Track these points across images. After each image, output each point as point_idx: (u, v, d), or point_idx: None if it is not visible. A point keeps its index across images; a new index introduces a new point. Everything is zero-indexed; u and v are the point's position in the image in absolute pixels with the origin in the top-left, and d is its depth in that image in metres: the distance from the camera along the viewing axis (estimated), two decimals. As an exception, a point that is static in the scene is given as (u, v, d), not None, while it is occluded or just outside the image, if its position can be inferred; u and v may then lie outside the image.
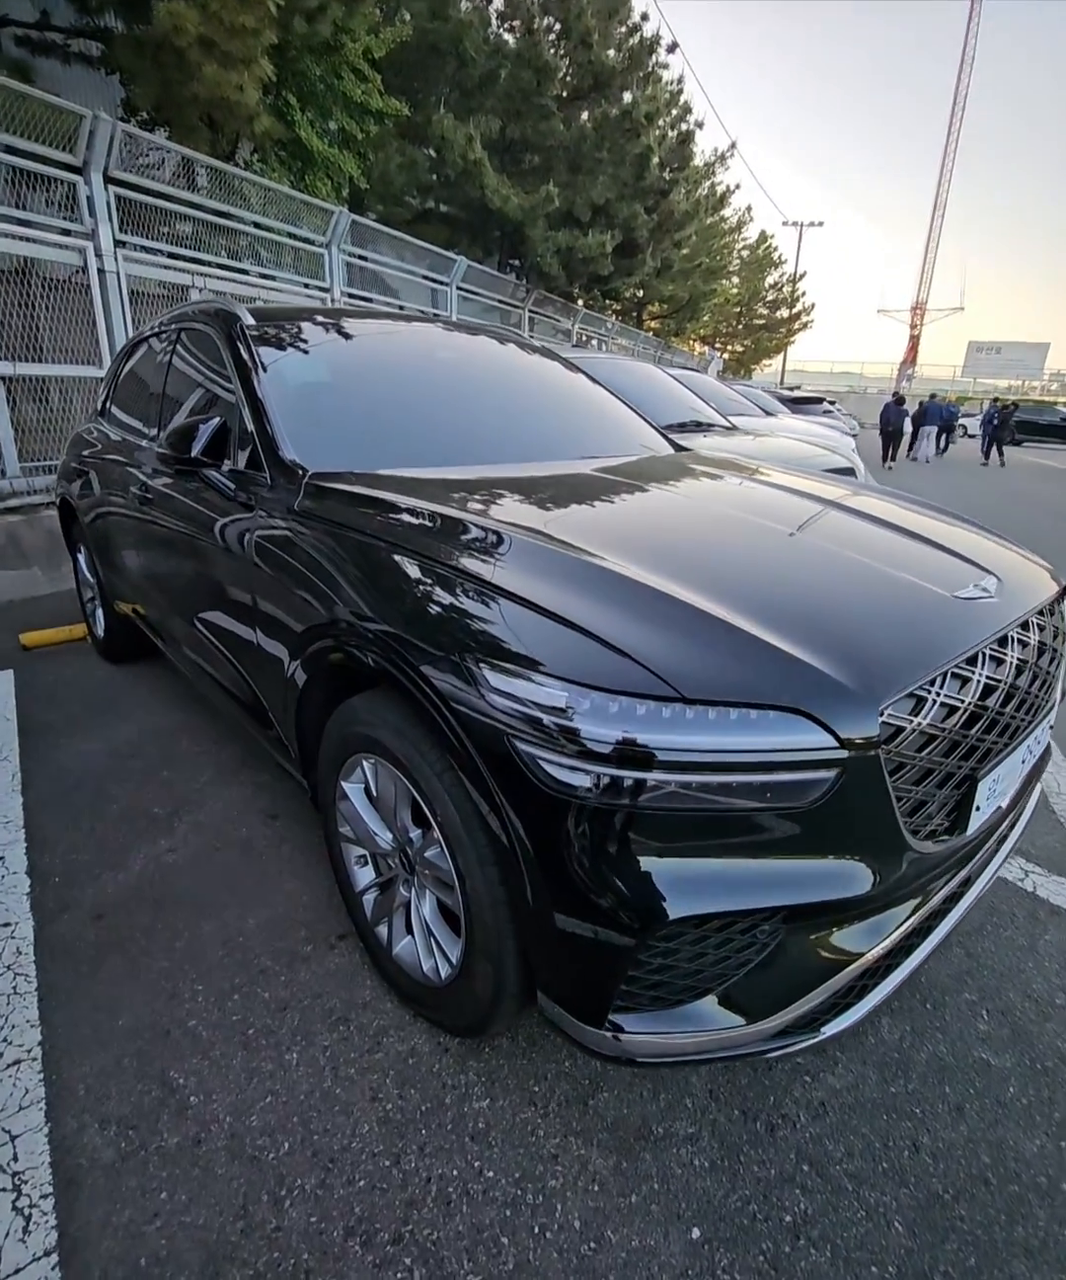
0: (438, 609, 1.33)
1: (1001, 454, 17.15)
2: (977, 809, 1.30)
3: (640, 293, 20.62)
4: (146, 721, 3.01)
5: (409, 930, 1.59)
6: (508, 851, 1.18)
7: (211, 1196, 1.27)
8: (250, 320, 2.30)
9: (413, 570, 1.43)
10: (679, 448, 2.78)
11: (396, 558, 1.47)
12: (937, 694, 1.21)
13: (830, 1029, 1.22)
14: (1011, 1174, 1.33)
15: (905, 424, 16.10)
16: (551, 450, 2.29)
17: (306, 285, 8.07)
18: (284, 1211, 1.25)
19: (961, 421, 22.57)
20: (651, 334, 22.04)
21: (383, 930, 1.65)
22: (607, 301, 19.71)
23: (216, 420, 2.02)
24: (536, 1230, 1.23)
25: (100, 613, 3.51)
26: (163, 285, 6.39)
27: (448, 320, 2.88)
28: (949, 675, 1.24)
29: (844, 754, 1.07)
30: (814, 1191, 1.30)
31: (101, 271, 5.73)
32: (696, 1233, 1.24)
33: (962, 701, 1.25)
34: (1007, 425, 16.57)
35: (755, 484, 2.15)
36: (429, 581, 1.39)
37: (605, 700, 1.07)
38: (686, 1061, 1.22)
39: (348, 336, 2.47)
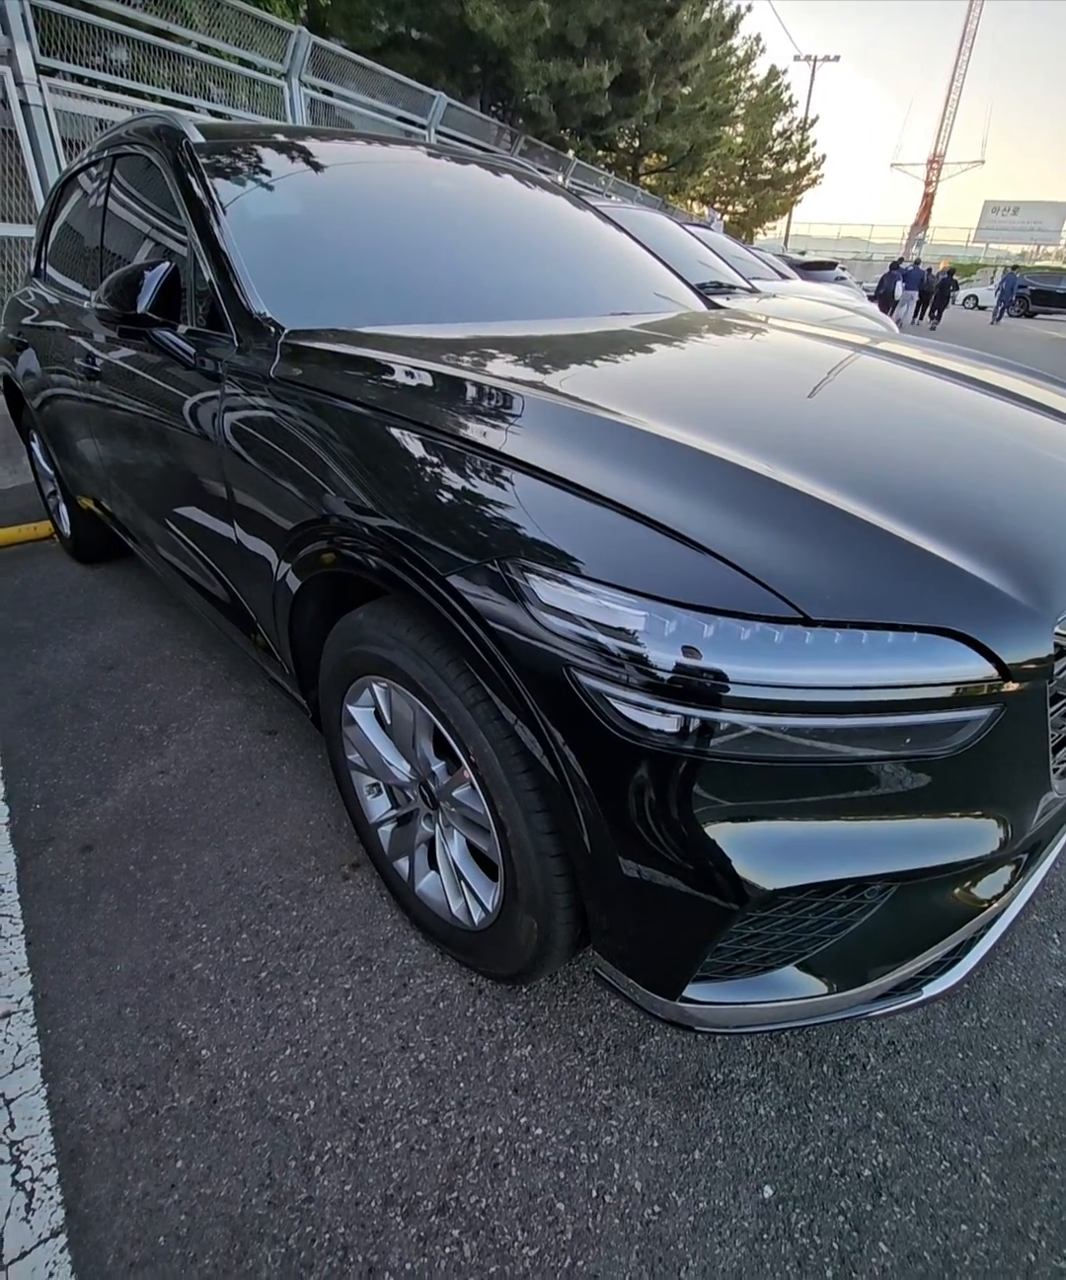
0: (462, 500, 1.05)
1: (934, 318, 19.73)
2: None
3: (637, 142, 18.61)
4: (125, 628, 2.76)
5: (433, 866, 1.42)
6: (562, 803, 0.96)
7: (233, 1164, 1.15)
8: (199, 137, 1.86)
9: (424, 449, 1.14)
10: (714, 307, 2.39)
11: (403, 433, 1.17)
12: None
13: (931, 989, 1.05)
14: (1102, 1116, 1.23)
15: (897, 289, 17.64)
16: (577, 305, 1.92)
17: (265, 126, 7.12)
18: (314, 1179, 1.13)
19: (969, 292, 26.60)
20: (647, 191, 20.06)
21: (402, 864, 1.48)
22: (600, 152, 17.80)
23: (166, 265, 1.64)
24: (594, 1193, 1.12)
25: (63, 509, 3.17)
26: (102, 126, 5.55)
27: (433, 144, 2.38)
28: None
29: (1008, 686, 0.84)
30: (892, 1142, 1.20)
31: (25, 104, 4.92)
32: (768, 1191, 1.13)
33: None
34: (946, 292, 19.01)
35: (842, 348, 1.79)
36: (448, 464, 1.10)
37: (697, 621, 0.82)
38: (761, 1031, 1.07)
39: (320, 161, 2.01)
